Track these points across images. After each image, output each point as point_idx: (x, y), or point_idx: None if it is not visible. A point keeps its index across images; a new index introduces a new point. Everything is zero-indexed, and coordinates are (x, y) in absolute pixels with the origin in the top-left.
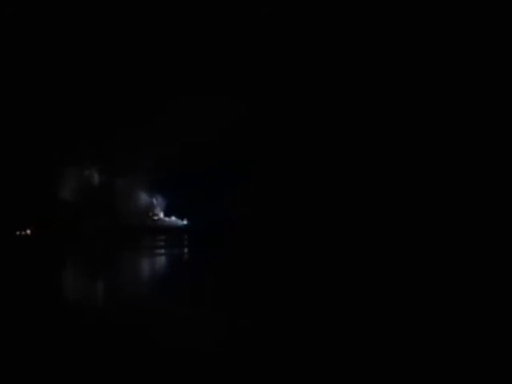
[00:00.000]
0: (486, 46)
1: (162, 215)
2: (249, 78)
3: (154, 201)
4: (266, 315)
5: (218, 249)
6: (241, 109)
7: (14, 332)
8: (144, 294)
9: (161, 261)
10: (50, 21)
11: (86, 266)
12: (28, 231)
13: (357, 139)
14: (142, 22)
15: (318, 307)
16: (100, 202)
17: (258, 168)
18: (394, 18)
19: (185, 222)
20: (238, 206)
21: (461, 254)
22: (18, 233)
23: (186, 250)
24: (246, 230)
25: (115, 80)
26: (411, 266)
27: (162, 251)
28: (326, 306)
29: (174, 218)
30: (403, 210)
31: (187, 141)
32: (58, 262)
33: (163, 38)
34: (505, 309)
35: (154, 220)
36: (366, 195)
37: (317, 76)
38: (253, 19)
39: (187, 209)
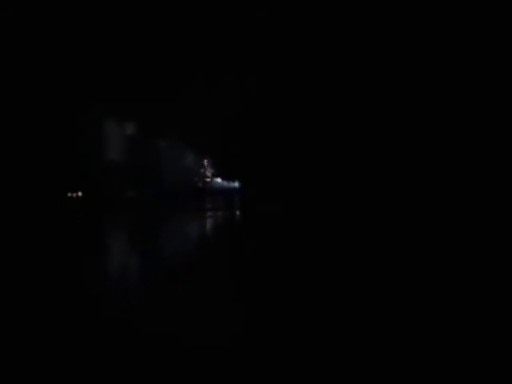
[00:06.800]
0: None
1: (212, 177)
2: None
3: (205, 162)
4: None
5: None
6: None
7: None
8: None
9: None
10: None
11: (136, 229)
12: (79, 193)
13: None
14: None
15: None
16: (147, 163)
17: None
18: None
19: (236, 185)
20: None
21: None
22: (69, 194)
23: (238, 213)
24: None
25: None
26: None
27: (215, 213)
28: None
29: (223, 181)
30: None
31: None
32: (108, 225)
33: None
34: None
35: (206, 182)
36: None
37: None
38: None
39: (238, 171)
